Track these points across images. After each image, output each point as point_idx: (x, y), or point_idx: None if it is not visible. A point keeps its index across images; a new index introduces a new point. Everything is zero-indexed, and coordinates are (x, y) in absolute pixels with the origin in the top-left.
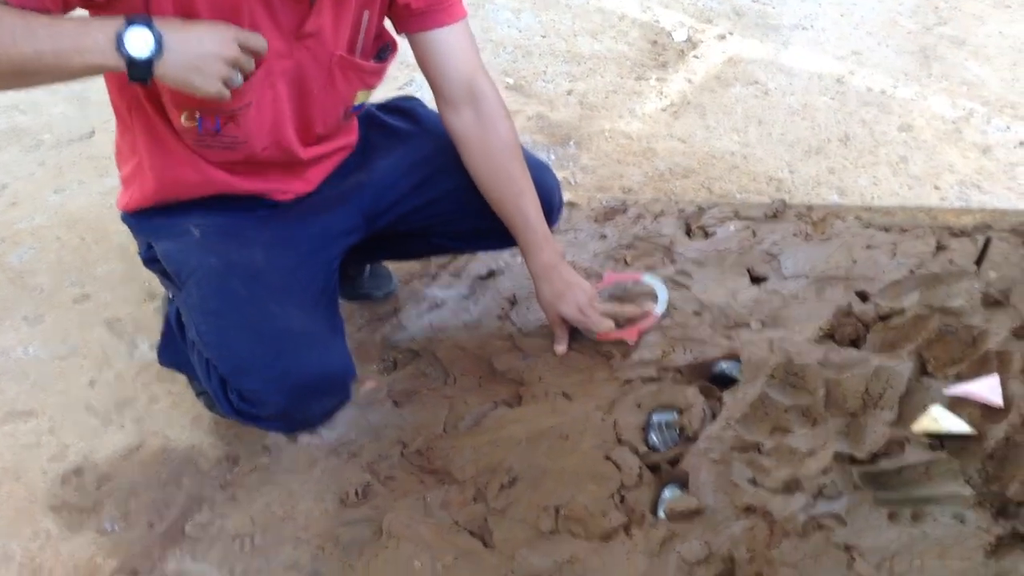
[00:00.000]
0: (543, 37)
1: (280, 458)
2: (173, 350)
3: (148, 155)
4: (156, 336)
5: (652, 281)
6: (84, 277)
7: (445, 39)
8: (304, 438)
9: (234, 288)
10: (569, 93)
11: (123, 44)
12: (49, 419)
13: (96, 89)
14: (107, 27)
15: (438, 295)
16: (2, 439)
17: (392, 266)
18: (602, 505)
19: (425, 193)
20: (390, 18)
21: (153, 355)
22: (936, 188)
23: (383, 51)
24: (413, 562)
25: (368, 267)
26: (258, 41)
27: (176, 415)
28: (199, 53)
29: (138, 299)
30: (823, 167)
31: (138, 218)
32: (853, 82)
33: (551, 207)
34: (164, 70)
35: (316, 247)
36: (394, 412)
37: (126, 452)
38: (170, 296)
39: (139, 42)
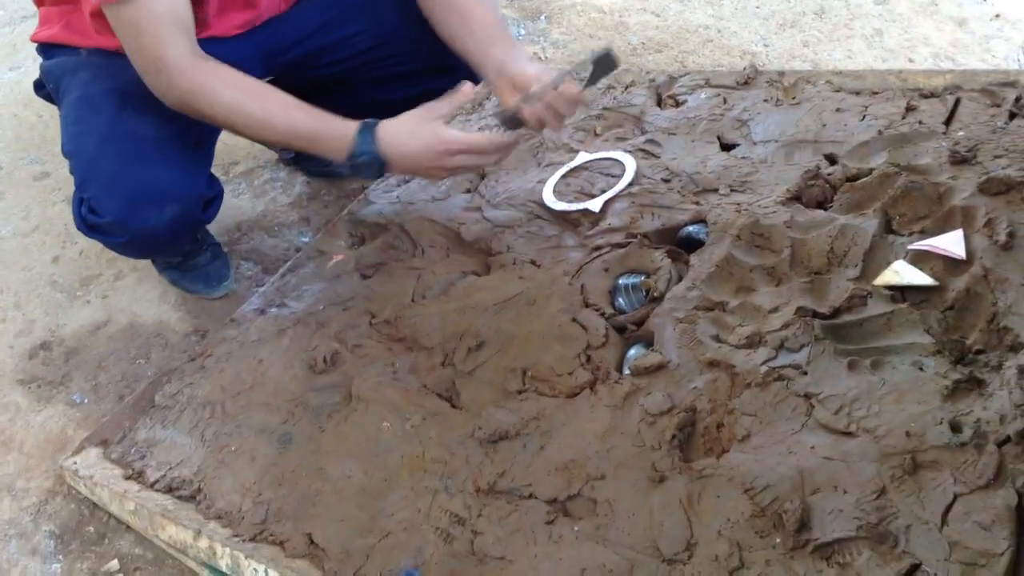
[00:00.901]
0: None
1: (248, 329)
2: None
3: (81, 23)
4: None
5: (620, 155)
6: (43, 155)
7: None
8: (272, 310)
9: (96, 99)
10: None
11: (355, 144)
12: (14, 295)
13: None
14: (340, 140)
15: None
16: None
17: None
18: (568, 365)
19: (333, 30)
20: None
21: None
22: (910, 61)
23: None
24: (382, 423)
25: None
26: (478, 153)
27: (142, 291)
28: (415, 169)
29: None
30: (798, 40)
31: (47, 48)
32: None
33: None
34: (393, 164)
35: None
36: (362, 284)
37: (93, 327)
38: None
39: (363, 151)
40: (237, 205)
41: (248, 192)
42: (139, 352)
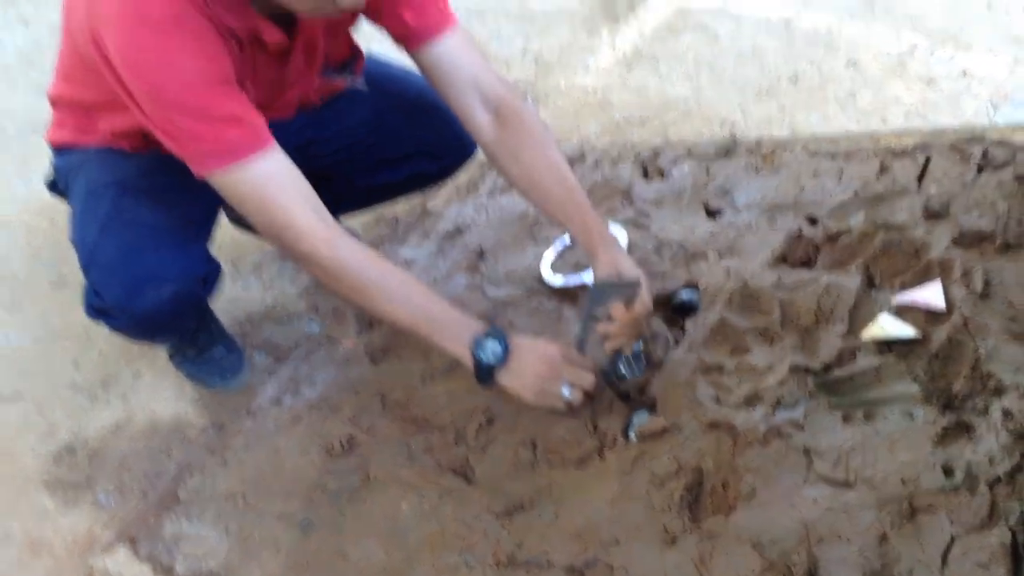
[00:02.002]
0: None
1: (265, 420)
2: None
3: (99, 122)
4: None
5: (614, 226)
6: (58, 261)
7: (446, 52)
8: (286, 399)
9: (99, 190)
10: (524, 52)
11: (479, 347)
12: (36, 401)
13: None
14: (470, 328)
15: (408, 255)
16: None
17: (361, 232)
18: (576, 434)
19: (328, 125)
20: (396, 40)
21: None
22: (883, 121)
23: (349, 64)
24: (400, 504)
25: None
26: (583, 378)
27: (160, 388)
28: (532, 373)
29: None
30: (774, 107)
31: (59, 151)
32: (799, 23)
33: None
34: (502, 378)
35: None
36: (372, 368)
37: (115, 427)
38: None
39: (490, 352)
40: (247, 298)
41: (257, 284)
42: (160, 449)
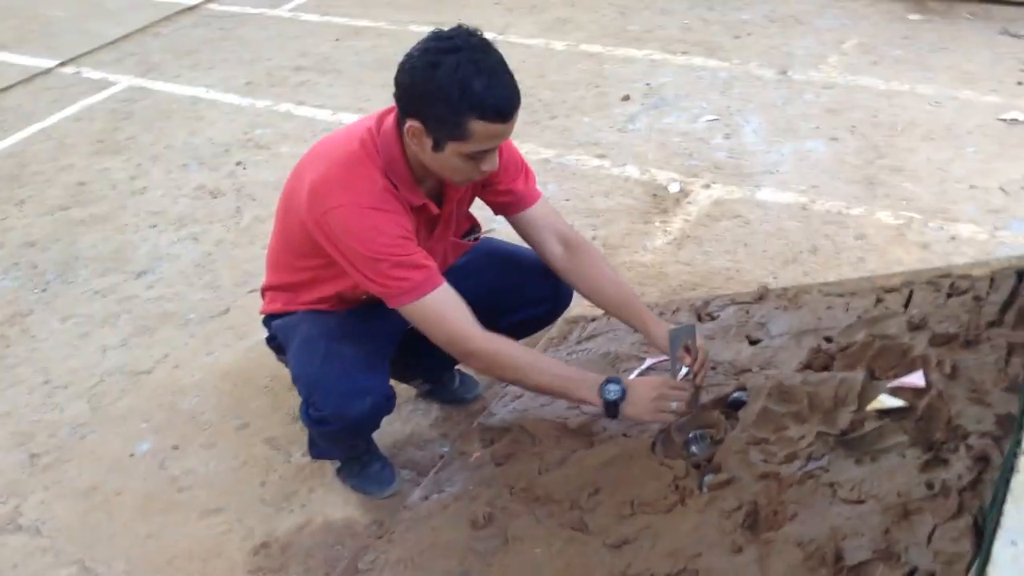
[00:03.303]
0: (567, 200)
1: (418, 511)
2: (315, 444)
3: (302, 295)
4: (306, 446)
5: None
6: (241, 411)
7: (534, 212)
8: (433, 496)
9: (313, 340)
10: (594, 238)
11: (604, 391)
12: (235, 512)
13: (224, 276)
14: (596, 380)
15: (516, 390)
16: (202, 530)
17: (476, 375)
18: (663, 492)
19: (461, 282)
20: (491, 208)
21: (306, 459)
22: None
23: (472, 231)
24: (534, 551)
25: (457, 376)
26: (682, 395)
27: (331, 498)
28: (645, 399)
29: (287, 422)
30: (799, 272)
31: (270, 318)
32: (815, 208)
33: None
34: (626, 410)
35: (385, 316)
36: (499, 469)
37: (298, 528)
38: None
39: (611, 392)
40: (392, 431)
41: (398, 420)
42: (336, 541)
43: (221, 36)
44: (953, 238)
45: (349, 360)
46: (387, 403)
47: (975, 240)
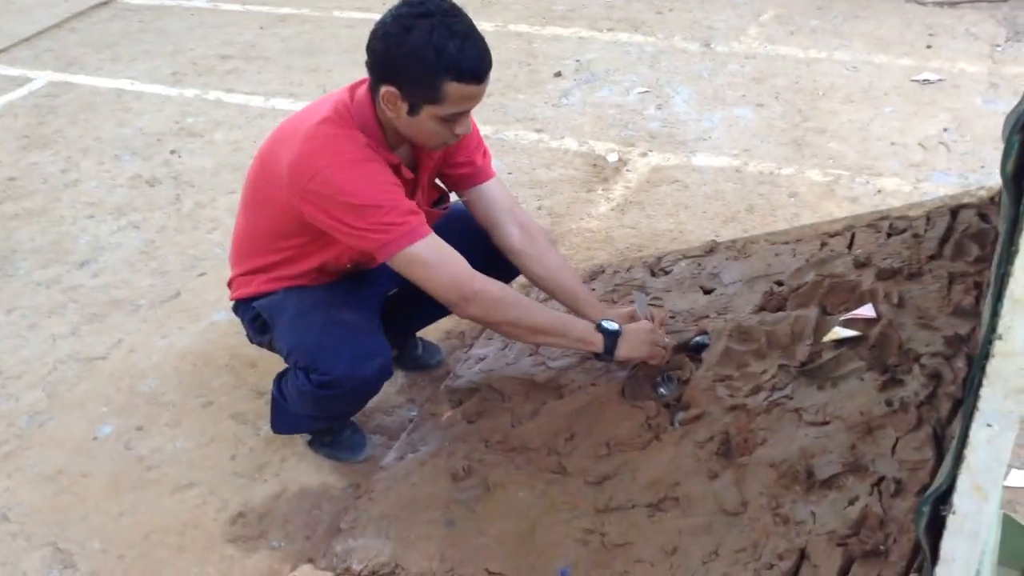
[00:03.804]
0: (510, 174)
1: (395, 470)
2: (283, 419)
3: (280, 273)
4: None
5: (636, 295)
6: (204, 390)
7: (490, 189)
8: (408, 456)
9: (308, 311)
10: (539, 208)
11: (603, 326)
12: (208, 486)
13: (171, 261)
14: (587, 323)
15: (480, 352)
16: (176, 504)
17: (438, 340)
18: (637, 431)
19: None
20: (446, 184)
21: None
22: None
23: (441, 200)
24: (518, 494)
25: (420, 343)
26: (663, 338)
27: (304, 466)
28: (641, 338)
29: (251, 397)
30: (739, 229)
31: (247, 301)
32: (748, 170)
33: None
34: (621, 350)
35: (367, 284)
36: (472, 427)
37: (274, 496)
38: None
39: (611, 327)
40: None
41: None
42: (313, 506)
43: (140, 29)
44: (879, 191)
45: (352, 325)
46: (390, 365)
47: (900, 192)
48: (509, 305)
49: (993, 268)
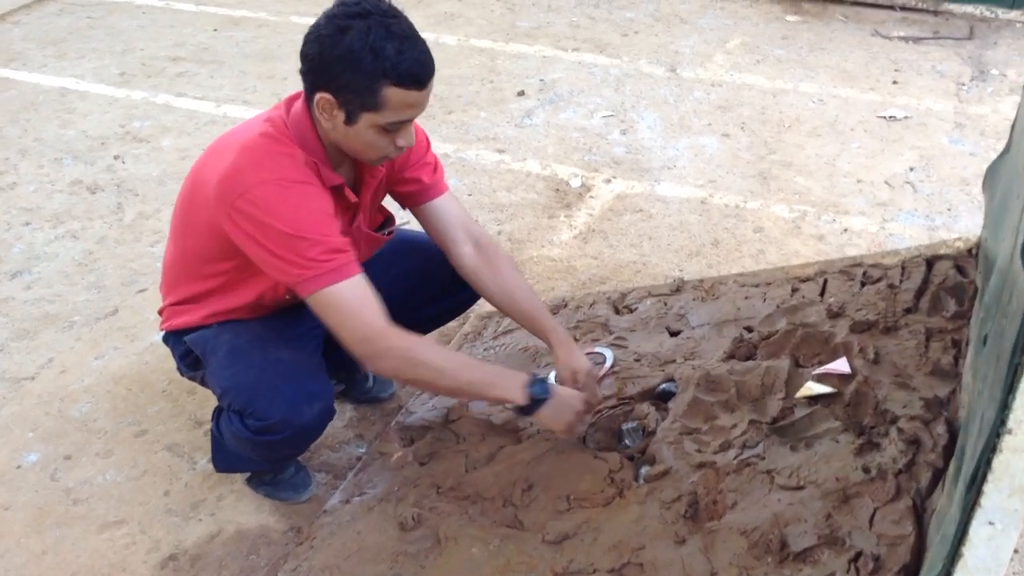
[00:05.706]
0: (470, 195)
1: (340, 515)
2: (224, 457)
3: (214, 305)
4: (211, 452)
5: (602, 349)
6: (139, 417)
7: (442, 205)
8: (355, 499)
9: (243, 348)
10: (499, 232)
11: (531, 388)
12: (139, 523)
13: (110, 275)
14: (520, 378)
15: None
16: (103, 544)
17: None
18: (600, 485)
19: (378, 278)
20: (397, 200)
21: (211, 466)
22: None
23: (386, 224)
24: (471, 550)
25: (369, 375)
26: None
27: (242, 506)
28: (564, 411)
29: (188, 427)
30: (703, 264)
31: (178, 334)
32: (713, 202)
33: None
34: (543, 413)
35: (308, 317)
36: (423, 469)
37: (208, 538)
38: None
39: (539, 392)
40: None
41: None
42: (250, 550)
43: (88, 25)
44: (846, 230)
45: (290, 365)
46: (332, 408)
47: (866, 232)
48: (421, 364)
49: (973, 329)
